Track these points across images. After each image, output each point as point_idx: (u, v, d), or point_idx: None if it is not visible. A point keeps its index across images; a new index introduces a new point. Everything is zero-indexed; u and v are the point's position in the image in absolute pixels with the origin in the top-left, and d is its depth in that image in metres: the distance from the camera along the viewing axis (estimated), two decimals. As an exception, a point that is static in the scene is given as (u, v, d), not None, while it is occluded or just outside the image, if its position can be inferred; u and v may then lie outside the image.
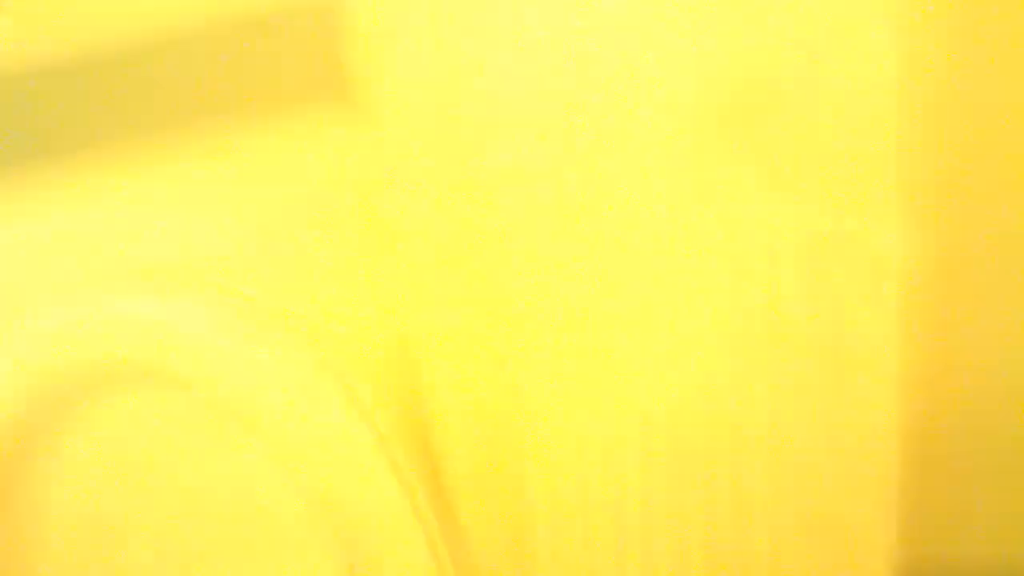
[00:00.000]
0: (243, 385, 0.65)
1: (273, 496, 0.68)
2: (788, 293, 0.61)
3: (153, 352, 0.64)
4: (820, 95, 0.56)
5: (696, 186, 0.60)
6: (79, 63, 0.68)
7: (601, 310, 0.64)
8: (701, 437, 0.68)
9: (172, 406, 0.66)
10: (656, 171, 0.60)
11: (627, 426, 0.67)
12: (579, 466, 0.70)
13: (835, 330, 0.61)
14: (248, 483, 0.68)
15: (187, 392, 0.65)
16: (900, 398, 0.62)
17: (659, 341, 0.64)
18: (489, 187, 0.62)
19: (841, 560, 0.70)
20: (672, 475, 0.69)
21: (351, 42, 0.63)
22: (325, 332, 0.67)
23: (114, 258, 0.66)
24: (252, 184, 0.68)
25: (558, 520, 0.71)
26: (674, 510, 0.70)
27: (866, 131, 0.57)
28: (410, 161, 0.63)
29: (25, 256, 0.67)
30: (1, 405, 0.63)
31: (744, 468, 0.68)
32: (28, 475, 0.66)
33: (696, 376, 0.65)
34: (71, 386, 0.64)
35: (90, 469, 0.66)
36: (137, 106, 0.67)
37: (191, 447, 0.67)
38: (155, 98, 0.67)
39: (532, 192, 0.62)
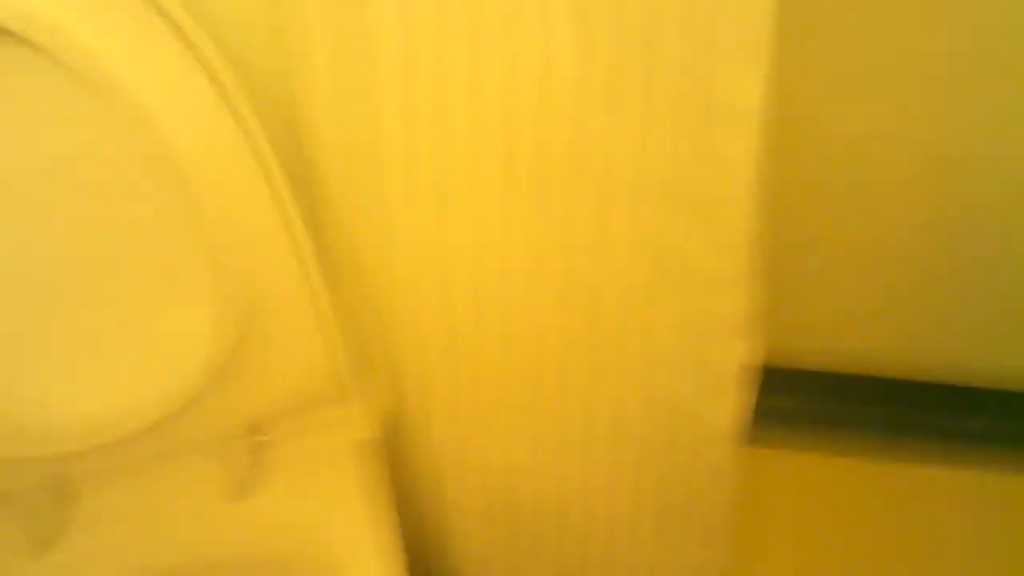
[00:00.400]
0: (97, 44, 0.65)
1: (129, 163, 0.71)
2: (663, 36, 0.61)
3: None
4: None
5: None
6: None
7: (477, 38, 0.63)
8: (566, 170, 0.68)
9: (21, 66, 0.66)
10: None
11: (495, 152, 0.67)
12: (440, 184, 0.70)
13: (706, 76, 0.62)
14: (105, 152, 0.70)
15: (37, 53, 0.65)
16: (760, 146, 0.63)
17: (530, 71, 0.64)
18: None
19: (695, 303, 0.72)
20: (534, 206, 0.70)
21: None
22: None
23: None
24: None
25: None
26: (534, 238, 0.71)
27: None
28: None
29: None
30: None
31: (606, 204, 0.69)
32: None
33: (565, 113, 0.65)
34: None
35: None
36: None
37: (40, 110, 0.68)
38: None
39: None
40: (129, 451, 0.85)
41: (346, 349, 0.85)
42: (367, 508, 0.85)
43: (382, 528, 0.84)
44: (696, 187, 0.67)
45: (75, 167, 0.72)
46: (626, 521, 0.86)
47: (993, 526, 1.20)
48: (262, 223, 0.75)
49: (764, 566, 1.19)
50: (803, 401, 1.25)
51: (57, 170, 0.72)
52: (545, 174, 0.68)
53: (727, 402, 0.74)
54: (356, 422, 0.90)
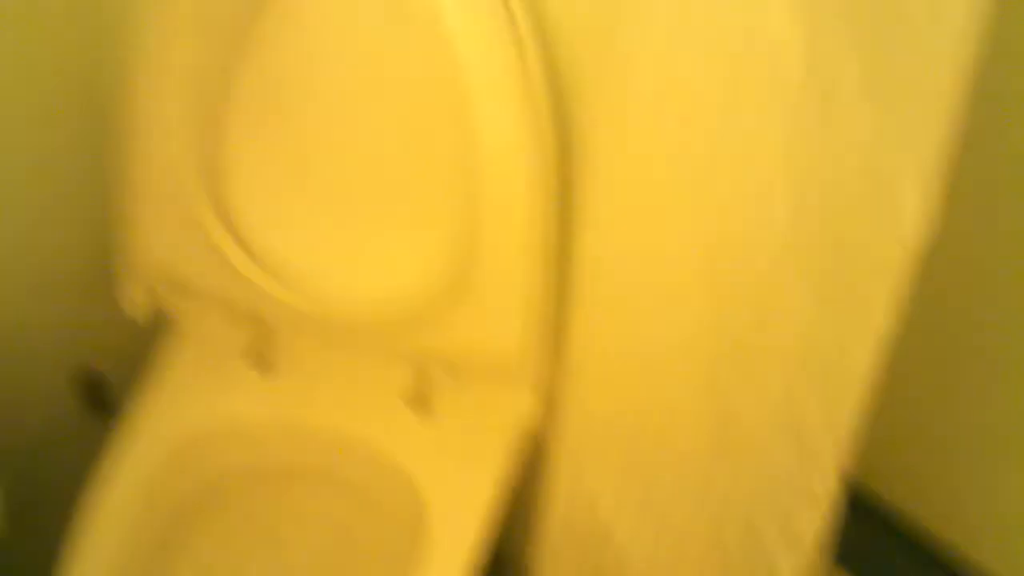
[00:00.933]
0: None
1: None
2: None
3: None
4: None
5: None
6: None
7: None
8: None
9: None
10: None
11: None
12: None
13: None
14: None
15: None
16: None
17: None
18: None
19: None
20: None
21: None
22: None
23: None
24: None
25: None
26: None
27: None
28: None
29: None
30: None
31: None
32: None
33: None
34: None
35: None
36: None
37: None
38: None
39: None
40: (338, 329, 1.03)
41: (544, 340, 0.95)
42: (485, 486, 0.97)
43: (486, 514, 0.95)
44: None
45: (383, 83, 0.89)
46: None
47: None
48: (517, 187, 0.86)
49: None
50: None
51: (370, 81, 0.89)
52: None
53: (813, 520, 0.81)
54: (523, 406, 1.01)
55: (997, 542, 1.06)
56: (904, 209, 0.62)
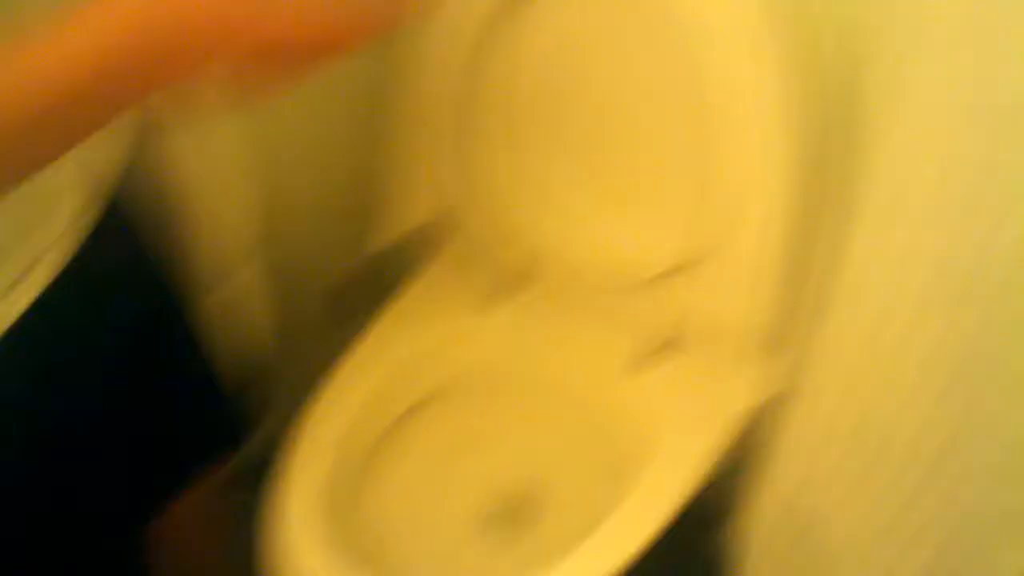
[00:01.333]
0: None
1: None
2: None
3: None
4: None
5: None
6: None
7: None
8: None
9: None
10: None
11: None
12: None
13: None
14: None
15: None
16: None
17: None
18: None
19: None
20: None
21: None
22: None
23: None
24: None
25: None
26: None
27: None
28: None
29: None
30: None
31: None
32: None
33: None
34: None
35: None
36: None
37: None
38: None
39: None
40: (585, 286, 1.09)
41: (783, 323, 0.97)
42: (699, 451, 0.99)
43: (693, 477, 0.97)
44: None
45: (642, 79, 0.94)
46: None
47: None
48: (773, 176, 0.89)
49: None
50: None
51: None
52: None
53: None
54: (750, 384, 1.03)
55: None
56: None
